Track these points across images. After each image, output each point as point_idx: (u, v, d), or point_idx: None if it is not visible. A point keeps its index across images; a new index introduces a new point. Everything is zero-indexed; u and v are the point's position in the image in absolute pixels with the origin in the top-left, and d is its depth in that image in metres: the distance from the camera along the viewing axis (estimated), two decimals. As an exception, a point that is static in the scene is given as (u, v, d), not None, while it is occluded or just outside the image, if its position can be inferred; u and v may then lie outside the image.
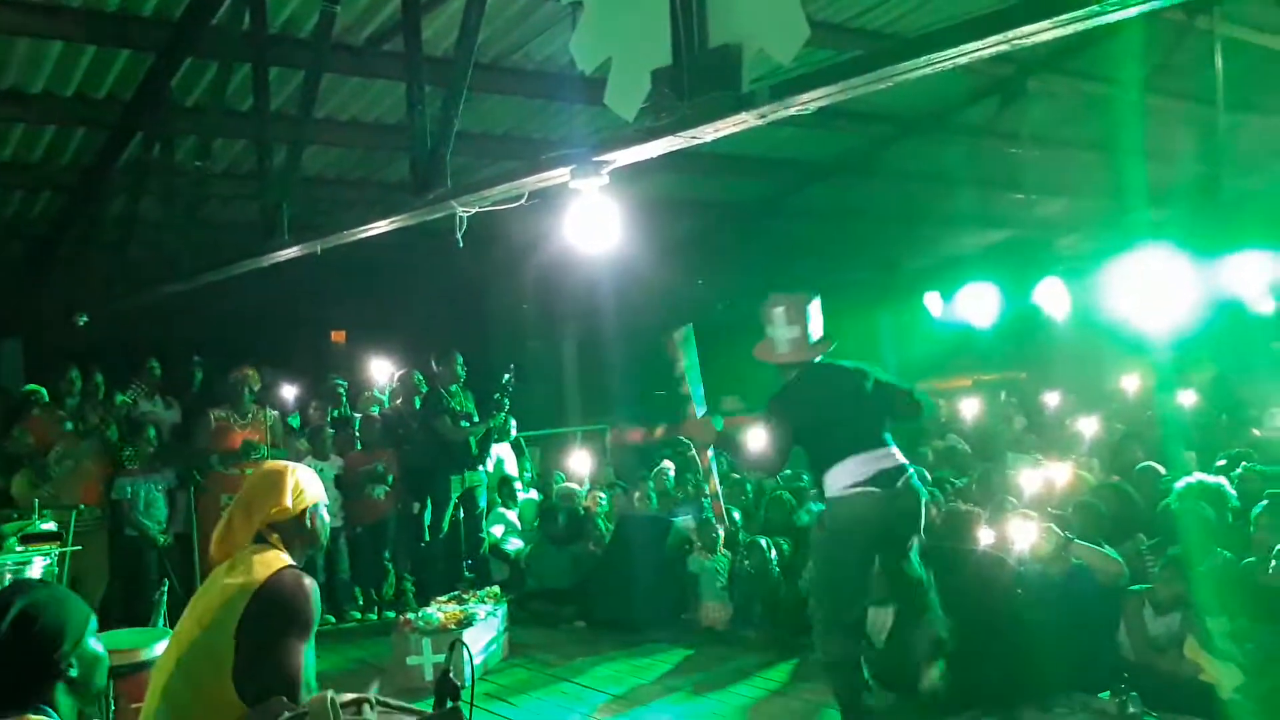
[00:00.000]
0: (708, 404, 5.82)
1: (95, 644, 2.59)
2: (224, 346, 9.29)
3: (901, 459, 5.17)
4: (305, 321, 11.68)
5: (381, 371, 10.30)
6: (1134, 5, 3.05)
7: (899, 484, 5.07)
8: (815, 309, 5.42)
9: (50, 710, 2.46)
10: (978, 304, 11.34)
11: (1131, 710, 5.40)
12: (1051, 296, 10.86)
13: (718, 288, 13.00)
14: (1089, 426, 9.08)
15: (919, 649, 5.39)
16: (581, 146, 4.67)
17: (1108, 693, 5.64)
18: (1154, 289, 8.72)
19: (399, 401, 9.52)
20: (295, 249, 6.53)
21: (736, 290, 13.17)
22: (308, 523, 3.21)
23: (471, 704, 2.49)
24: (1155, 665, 5.64)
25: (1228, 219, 8.60)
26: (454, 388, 8.83)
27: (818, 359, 5.40)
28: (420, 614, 6.89)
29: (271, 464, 3.33)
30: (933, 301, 12.00)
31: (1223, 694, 5.25)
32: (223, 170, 8.81)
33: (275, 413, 8.48)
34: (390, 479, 8.77)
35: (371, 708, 1.89)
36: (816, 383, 5.37)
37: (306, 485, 3.24)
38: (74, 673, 2.50)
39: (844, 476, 5.11)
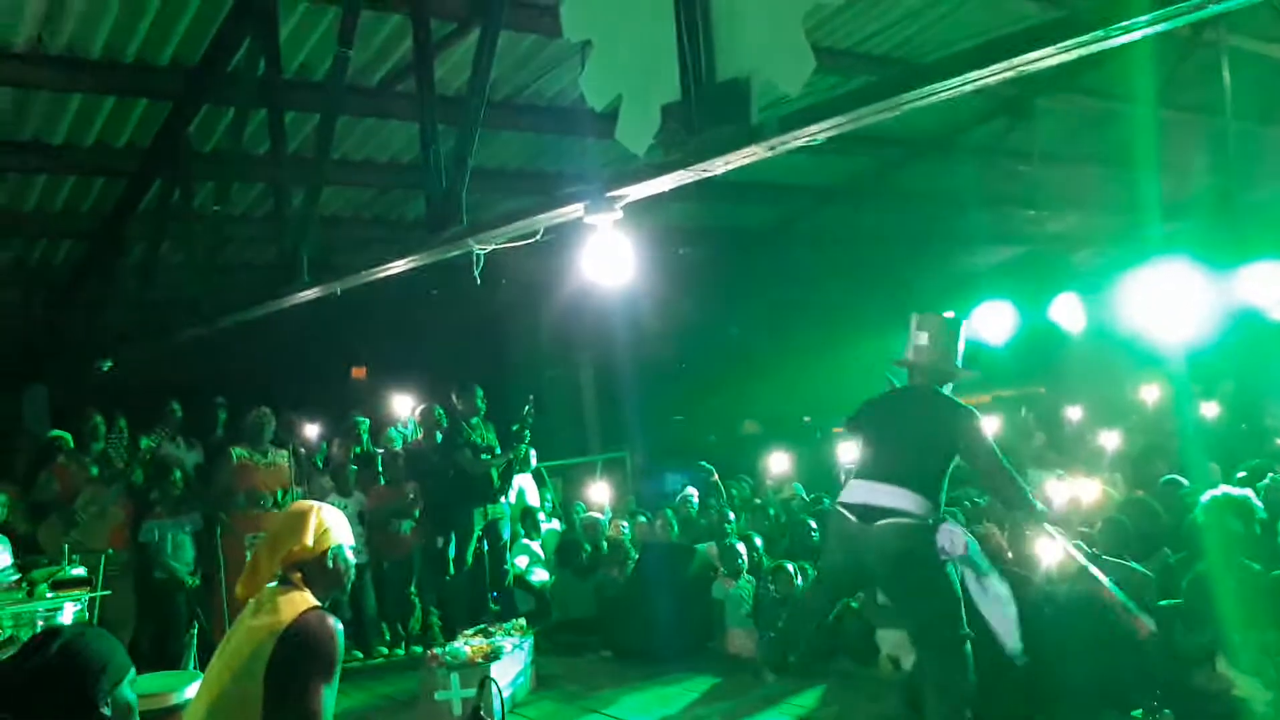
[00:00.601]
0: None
1: (130, 691, 2.61)
2: (246, 387, 9.35)
3: (910, 506, 4.88)
4: (326, 360, 11.75)
5: (403, 407, 10.36)
6: (1138, 29, 3.07)
7: (881, 523, 4.88)
8: (949, 330, 5.34)
9: None
10: (993, 321, 11.31)
11: (1164, 726, 5.37)
12: (1067, 311, 10.82)
13: (731, 313, 13.04)
14: (1110, 440, 9.03)
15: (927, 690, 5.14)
16: (594, 182, 4.72)
17: (1140, 710, 5.59)
18: (1170, 302, 8.68)
19: (421, 436, 9.56)
20: (314, 290, 6.59)
21: (750, 315, 13.21)
22: (330, 563, 3.21)
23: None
24: (1186, 681, 5.59)
25: (1242, 230, 8.58)
26: (475, 420, 8.86)
27: (921, 381, 5.31)
28: (447, 648, 6.89)
29: (299, 504, 3.34)
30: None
31: (1255, 709, 5.21)
32: (241, 214, 8.90)
33: (299, 450, 8.52)
34: (416, 513, 8.81)
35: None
36: (893, 400, 5.37)
37: (331, 525, 3.25)
38: (108, 711, 2.51)
39: (844, 492, 5.11)
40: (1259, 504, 6.38)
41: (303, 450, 8.60)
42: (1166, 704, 5.49)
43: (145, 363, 9.33)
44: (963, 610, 4.94)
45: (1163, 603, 5.87)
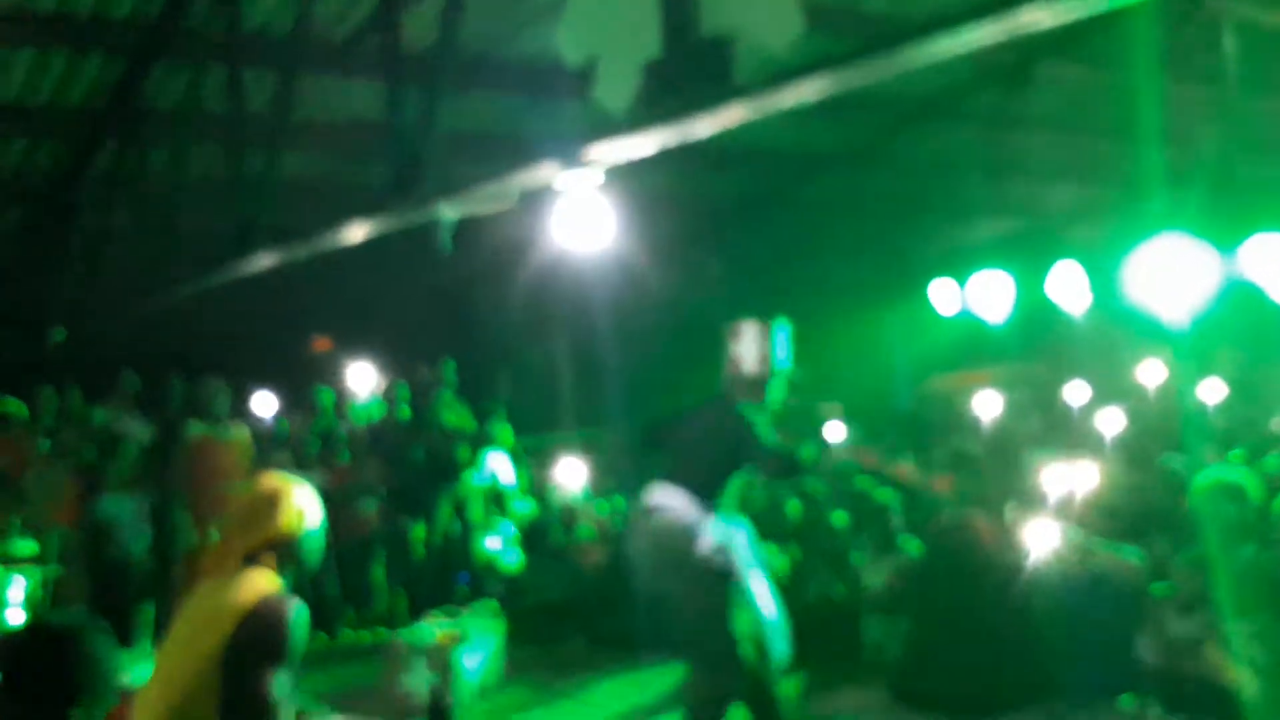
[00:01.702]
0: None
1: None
2: (204, 359, 9.32)
3: (678, 504, 5.12)
4: (287, 331, 11.71)
5: (364, 381, 10.30)
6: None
7: (653, 525, 5.14)
8: (764, 336, 5.46)
9: None
10: (989, 294, 11.37)
11: (1152, 714, 5.46)
12: (1066, 284, 10.88)
13: (719, 286, 13.04)
14: (1108, 421, 9.11)
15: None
16: (569, 143, 4.71)
17: (1129, 696, 5.69)
18: (1170, 276, 8.75)
19: (387, 413, 9.56)
20: (274, 257, 6.57)
21: (737, 288, 13.20)
22: (304, 545, 3.23)
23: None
24: (1177, 668, 5.68)
25: (1244, 203, 8.63)
26: (445, 395, 8.86)
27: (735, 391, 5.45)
28: (413, 631, 6.92)
29: (271, 482, 3.30)
30: (942, 292, 12.02)
31: (1245, 697, 5.29)
32: (198, 178, 8.84)
33: (257, 425, 8.52)
34: (382, 492, 8.81)
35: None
36: (696, 412, 5.53)
37: (307, 506, 3.25)
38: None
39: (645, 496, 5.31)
40: (1254, 487, 6.47)
41: (262, 424, 8.59)
42: (1156, 691, 5.59)
43: (99, 334, 9.28)
44: (724, 612, 5.04)
45: (1155, 588, 5.96)
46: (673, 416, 5.62)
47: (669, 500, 5.14)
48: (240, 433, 8.21)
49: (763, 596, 5.19)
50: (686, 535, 5.02)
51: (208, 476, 7.98)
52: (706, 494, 5.12)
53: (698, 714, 5.17)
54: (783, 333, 5.49)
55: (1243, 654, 5.37)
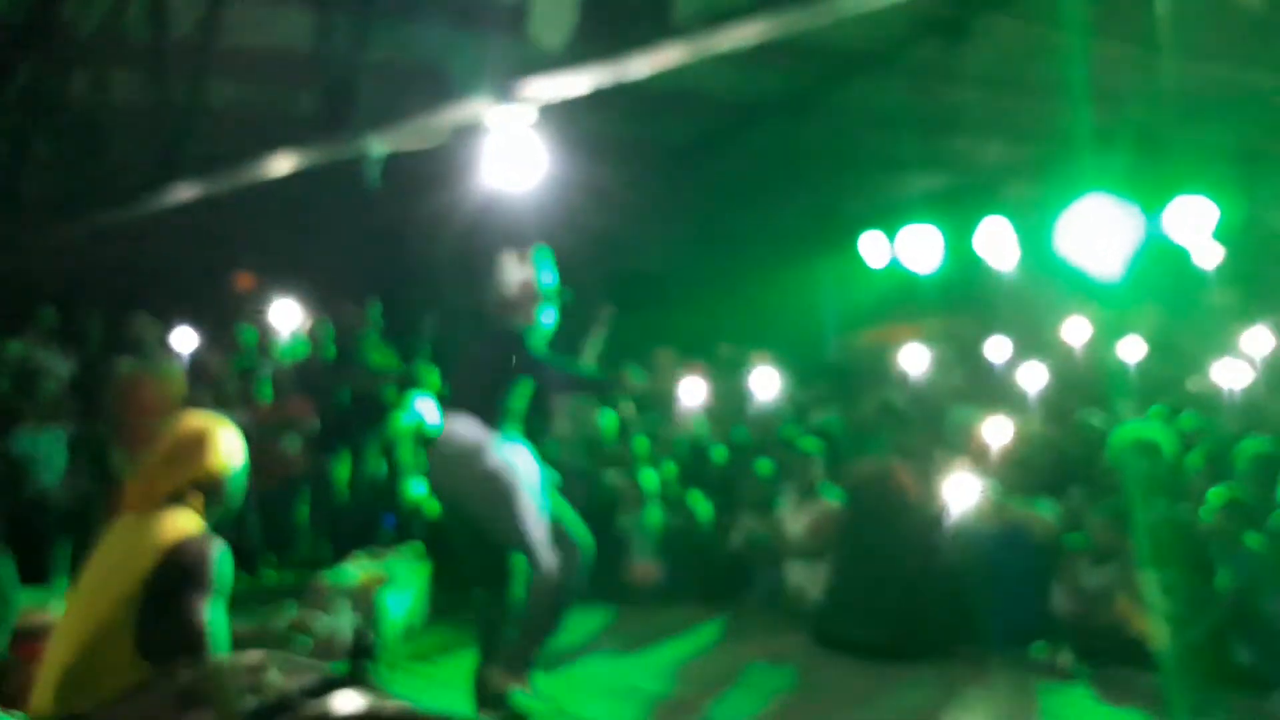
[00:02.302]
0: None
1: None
2: (124, 292, 9.10)
3: (461, 428, 5.19)
4: (212, 265, 11.44)
5: (288, 319, 10.09)
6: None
7: (440, 452, 5.25)
8: (528, 262, 5.47)
9: None
10: (919, 249, 11.48)
11: (1063, 662, 5.62)
12: (994, 241, 11.02)
13: (650, 234, 12.98)
14: (1031, 377, 9.27)
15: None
16: (502, 79, 4.63)
17: (1042, 644, 5.84)
18: (1097, 236, 8.90)
19: (311, 352, 9.41)
20: (197, 188, 6.40)
21: (669, 238, 13.17)
22: (229, 485, 3.22)
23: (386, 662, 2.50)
24: (1088, 618, 5.85)
25: (1169, 165, 8.79)
26: (371, 336, 8.75)
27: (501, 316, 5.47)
28: (337, 573, 6.86)
29: (197, 421, 3.28)
30: (873, 246, 12.11)
31: (1153, 646, 5.46)
32: (120, 105, 8.56)
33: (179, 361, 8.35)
34: (308, 430, 8.68)
35: (277, 668, 1.90)
36: (470, 336, 5.59)
37: (232, 446, 3.25)
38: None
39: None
40: (1169, 443, 6.64)
41: (181, 360, 8.42)
42: (1067, 640, 5.75)
43: (15, 266, 8.99)
44: (508, 527, 5.15)
45: (1070, 539, 6.11)
46: (450, 343, 5.64)
47: (453, 425, 5.20)
48: (172, 369, 8.03)
49: (541, 511, 5.24)
50: (469, 457, 5.10)
51: (138, 413, 7.78)
52: (487, 414, 5.18)
53: (486, 630, 5.39)
54: (545, 259, 5.50)
55: (1154, 605, 5.55)
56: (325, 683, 1.73)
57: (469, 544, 5.45)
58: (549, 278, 5.49)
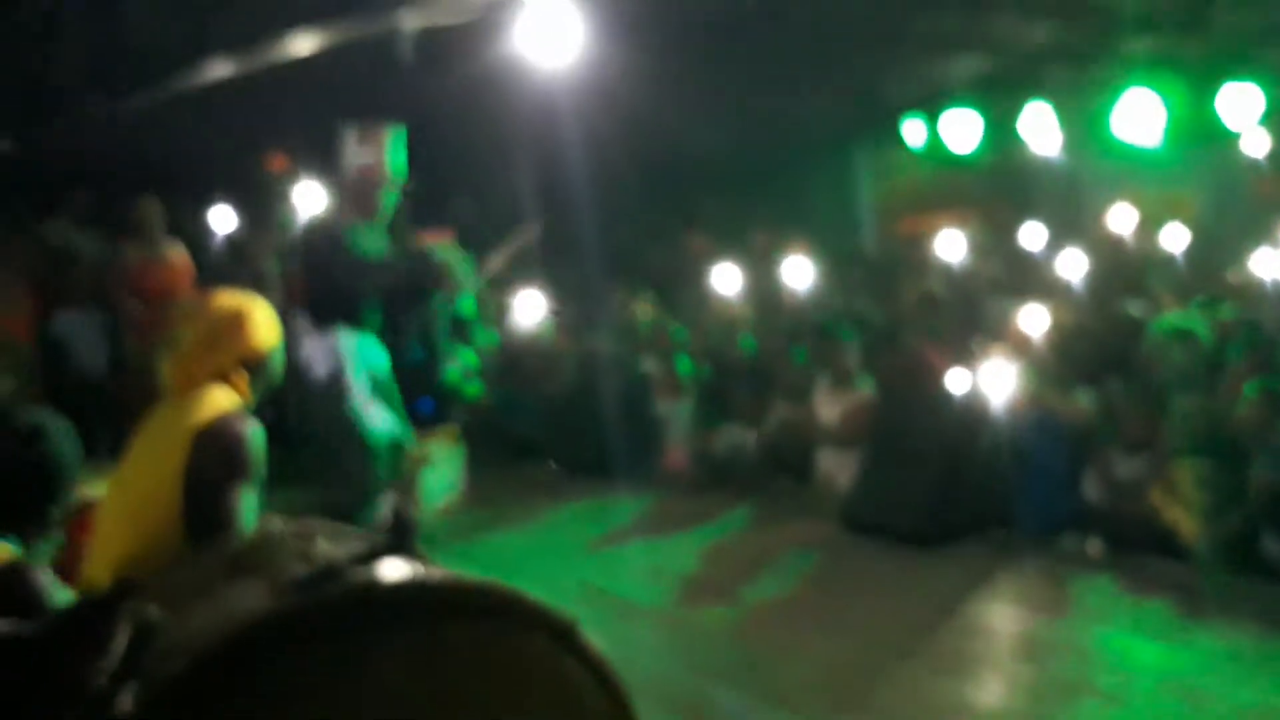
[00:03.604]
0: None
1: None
2: (159, 174, 9.09)
3: (308, 344, 5.06)
4: (246, 147, 11.40)
5: (312, 202, 10.03)
6: None
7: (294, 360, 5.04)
8: (379, 143, 5.19)
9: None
10: (959, 134, 11.27)
11: (1092, 551, 5.69)
12: (1037, 126, 10.80)
13: (686, 115, 12.78)
14: (1070, 265, 9.17)
15: None
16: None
17: (1072, 533, 5.91)
18: (1143, 121, 8.72)
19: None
20: (228, 67, 6.36)
21: (704, 119, 12.96)
22: (269, 363, 3.26)
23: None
24: (1119, 508, 5.88)
25: (1221, 49, 8.54)
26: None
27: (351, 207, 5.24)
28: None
29: (232, 300, 3.27)
30: (913, 131, 11.89)
31: (1184, 537, 5.51)
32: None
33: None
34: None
35: (324, 537, 1.96)
36: (312, 236, 5.59)
37: (271, 324, 3.27)
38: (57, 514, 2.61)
39: None
40: (1206, 335, 6.59)
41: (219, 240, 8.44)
42: (1097, 529, 5.81)
43: (47, 146, 9.00)
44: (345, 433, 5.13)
45: (1103, 430, 6.13)
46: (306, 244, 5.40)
47: (306, 335, 5.08)
48: (177, 252, 8.04)
49: (379, 418, 5.24)
50: (308, 366, 5.03)
51: (147, 296, 7.84)
52: (329, 320, 5.06)
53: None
54: (399, 140, 5.22)
55: (1186, 496, 5.57)
56: (372, 551, 1.78)
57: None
58: (399, 163, 5.18)
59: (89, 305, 7.93)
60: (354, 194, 5.11)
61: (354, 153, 5.05)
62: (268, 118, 10.62)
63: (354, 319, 5.09)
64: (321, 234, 5.21)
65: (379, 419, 5.22)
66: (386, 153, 5.09)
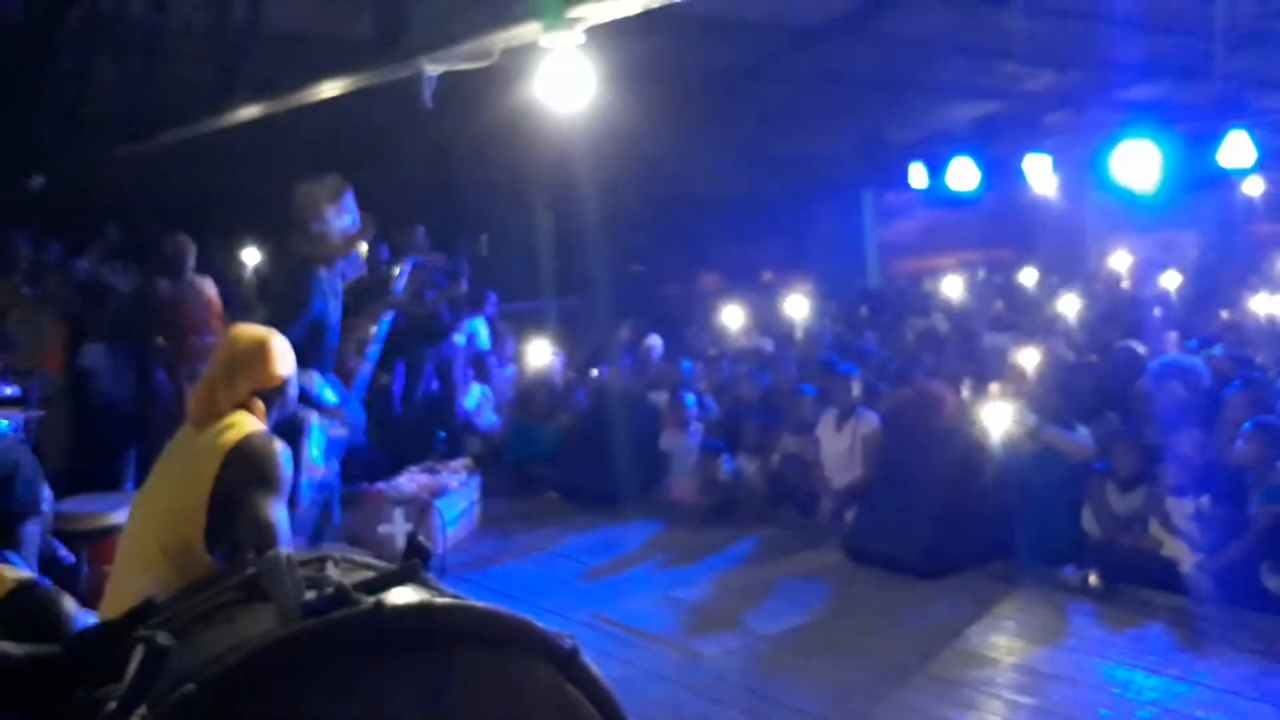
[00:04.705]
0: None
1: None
2: (188, 211, 9.15)
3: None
4: (268, 185, 11.47)
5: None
6: None
7: None
8: (335, 198, 5.39)
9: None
10: (963, 179, 11.29)
11: (1092, 582, 5.62)
12: (1037, 173, 10.82)
13: (697, 159, 12.85)
14: (1069, 306, 9.16)
15: None
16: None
17: (1069, 567, 5.84)
18: (1142, 166, 8.71)
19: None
20: (255, 108, 6.40)
21: (716, 163, 13.01)
22: (286, 391, 3.26)
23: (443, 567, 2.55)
24: (1118, 541, 5.82)
25: (1219, 97, 8.55)
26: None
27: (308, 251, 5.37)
28: (392, 483, 6.98)
29: (251, 332, 3.30)
30: (917, 176, 11.93)
31: (1182, 569, 5.45)
32: (180, 26, 8.54)
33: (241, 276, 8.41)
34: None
35: (335, 564, 1.93)
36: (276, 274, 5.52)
37: (287, 354, 3.28)
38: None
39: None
40: (1203, 373, 6.55)
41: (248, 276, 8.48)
42: (1097, 562, 5.74)
43: (80, 183, 9.07)
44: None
45: (1100, 465, 6.07)
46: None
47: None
48: (206, 287, 8.06)
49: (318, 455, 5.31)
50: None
51: (178, 330, 7.85)
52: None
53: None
54: (349, 196, 5.42)
55: (1183, 531, 5.52)
56: (382, 579, 1.76)
57: None
58: (352, 217, 5.41)
59: (118, 338, 7.92)
60: (318, 243, 5.32)
61: (334, 215, 5.31)
62: (295, 158, 10.69)
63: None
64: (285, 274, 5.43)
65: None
66: (352, 211, 5.36)
